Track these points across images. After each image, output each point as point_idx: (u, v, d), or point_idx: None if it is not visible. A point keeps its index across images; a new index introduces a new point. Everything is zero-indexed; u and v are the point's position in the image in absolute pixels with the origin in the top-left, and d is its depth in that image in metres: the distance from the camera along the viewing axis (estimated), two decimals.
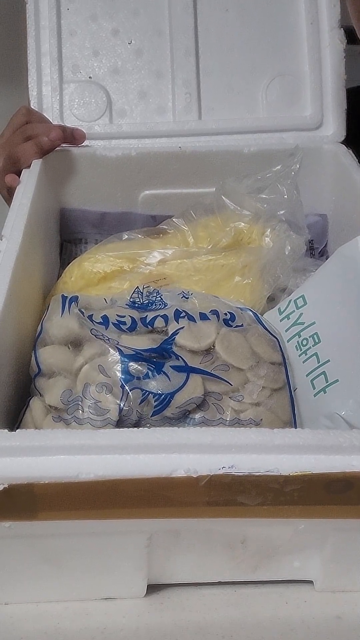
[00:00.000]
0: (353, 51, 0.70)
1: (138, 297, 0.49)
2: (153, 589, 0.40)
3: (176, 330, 0.45)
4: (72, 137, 0.67)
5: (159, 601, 0.40)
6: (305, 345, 0.48)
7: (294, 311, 0.51)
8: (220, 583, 0.41)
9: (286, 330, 0.50)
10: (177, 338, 0.44)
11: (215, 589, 0.41)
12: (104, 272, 0.55)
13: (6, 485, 0.33)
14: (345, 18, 0.69)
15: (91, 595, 0.40)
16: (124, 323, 0.46)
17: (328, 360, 0.46)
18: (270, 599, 0.40)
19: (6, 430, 0.34)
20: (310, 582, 0.41)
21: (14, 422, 0.44)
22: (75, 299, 0.47)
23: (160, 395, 0.41)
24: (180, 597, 0.40)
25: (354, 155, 0.65)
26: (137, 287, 0.50)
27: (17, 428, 0.43)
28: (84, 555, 0.38)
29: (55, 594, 0.40)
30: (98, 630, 0.38)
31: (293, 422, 0.44)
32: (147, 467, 0.33)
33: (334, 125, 0.69)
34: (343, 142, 0.68)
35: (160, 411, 0.41)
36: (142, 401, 0.41)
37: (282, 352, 0.47)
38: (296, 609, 0.40)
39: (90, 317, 0.46)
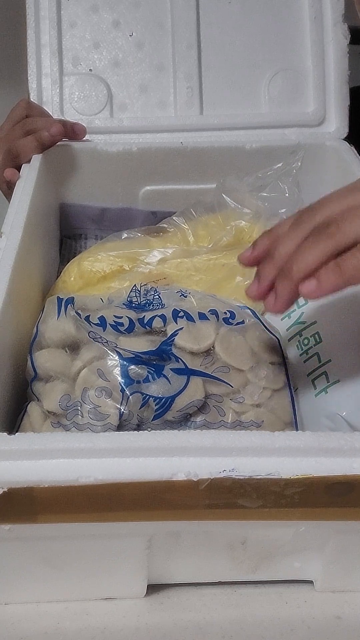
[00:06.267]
0: (355, 51, 0.69)
1: (135, 295, 0.49)
2: (153, 589, 0.40)
3: (175, 331, 0.44)
4: (72, 131, 0.66)
5: (159, 601, 0.40)
6: (307, 344, 0.48)
7: (294, 310, 0.50)
8: (220, 583, 0.41)
9: (287, 329, 0.50)
10: (177, 339, 0.44)
11: (215, 589, 0.41)
12: (103, 271, 0.54)
13: (6, 489, 0.33)
14: (351, 19, 0.68)
15: (91, 596, 0.40)
16: (122, 324, 0.45)
17: (329, 360, 0.46)
18: (270, 599, 0.40)
19: (5, 433, 0.34)
20: (310, 582, 0.41)
21: (13, 424, 0.43)
22: (71, 301, 0.46)
23: (160, 399, 0.41)
24: (180, 597, 0.40)
25: (356, 152, 0.65)
26: (135, 285, 0.49)
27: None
28: (84, 556, 0.38)
29: (55, 594, 0.40)
30: (98, 630, 0.38)
31: (294, 422, 0.44)
32: (147, 471, 0.33)
33: (337, 122, 0.68)
34: (345, 139, 0.68)
35: (161, 415, 0.41)
36: (142, 405, 0.41)
37: (282, 352, 0.47)
38: (296, 609, 0.40)
39: (87, 318, 0.45)
